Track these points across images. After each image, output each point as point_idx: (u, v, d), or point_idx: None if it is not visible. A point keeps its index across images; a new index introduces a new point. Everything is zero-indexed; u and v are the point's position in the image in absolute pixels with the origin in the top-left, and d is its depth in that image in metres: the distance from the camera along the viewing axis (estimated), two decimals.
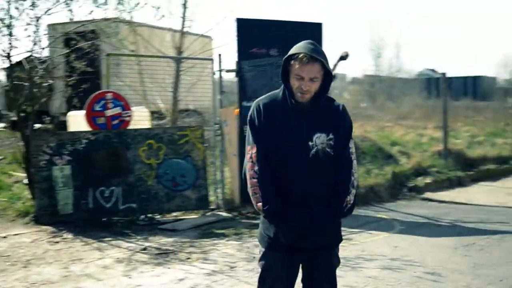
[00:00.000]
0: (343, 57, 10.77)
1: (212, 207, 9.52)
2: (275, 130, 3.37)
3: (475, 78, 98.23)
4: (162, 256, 6.94)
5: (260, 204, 3.38)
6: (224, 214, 9.29)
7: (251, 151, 3.43)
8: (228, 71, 9.74)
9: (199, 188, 9.27)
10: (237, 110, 9.72)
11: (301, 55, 3.28)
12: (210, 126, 10.02)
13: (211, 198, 9.60)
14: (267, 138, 3.37)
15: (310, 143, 3.35)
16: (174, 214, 9.25)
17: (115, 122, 8.86)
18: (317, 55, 3.28)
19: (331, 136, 3.38)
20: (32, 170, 8.52)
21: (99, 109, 8.76)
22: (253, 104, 3.51)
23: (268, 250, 3.51)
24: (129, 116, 8.99)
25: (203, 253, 7.08)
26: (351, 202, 3.47)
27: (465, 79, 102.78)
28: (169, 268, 6.42)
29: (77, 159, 8.43)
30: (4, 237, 7.76)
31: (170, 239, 7.77)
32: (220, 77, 9.57)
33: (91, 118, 8.69)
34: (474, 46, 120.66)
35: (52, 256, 6.88)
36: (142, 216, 8.94)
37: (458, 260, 6.67)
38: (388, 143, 14.75)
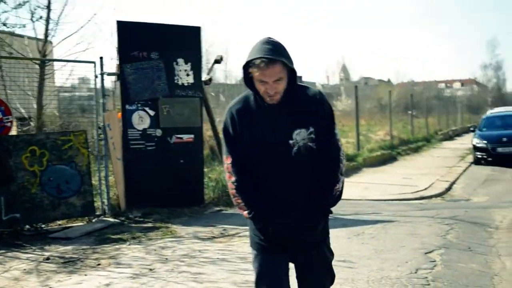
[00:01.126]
0: (217, 61, 11.11)
1: (97, 213, 9.31)
2: (253, 134, 3.21)
3: None
4: (70, 264, 6.72)
5: (245, 212, 3.30)
6: (112, 219, 9.14)
7: (226, 161, 3.31)
8: (109, 74, 9.59)
9: (84, 194, 9.03)
10: (120, 114, 9.61)
11: (258, 61, 3.04)
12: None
13: (96, 204, 9.38)
14: (245, 144, 3.23)
15: (291, 141, 3.19)
16: (59, 222, 8.93)
17: None
18: (275, 56, 3.05)
19: (311, 129, 3.21)
20: None
21: None
22: (226, 112, 3.33)
23: (260, 252, 3.39)
24: (10, 121, 8.56)
25: (111, 258, 6.96)
26: (340, 189, 3.37)
27: None
28: (85, 275, 6.24)
29: None
30: None
31: (69, 247, 7.52)
32: (102, 80, 9.38)
33: None
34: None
35: None
36: (27, 226, 8.52)
37: (358, 248, 7.23)
38: None
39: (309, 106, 3.25)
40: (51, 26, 11.42)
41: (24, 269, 6.50)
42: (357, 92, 21.17)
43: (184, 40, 10.01)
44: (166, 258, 6.88)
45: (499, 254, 7.24)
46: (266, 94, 3.13)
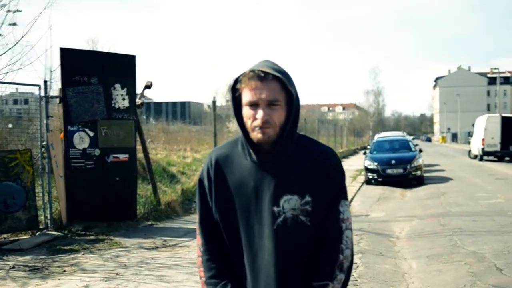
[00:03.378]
0: (148, 86, 11.95)
1: (40, 227, 9.87)
2: (229, 189, 2.41)
3: (183, 104, 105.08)
4: (37, 271, 7.38)
5: None
6: (55, 233, 9.74)
7: (197, 219, 2.56)
8: (53, 97, 10.21)
9: (29, 209, 9.59)
10: (62, 134, 10.25)
11: (249, 73, 2.29)
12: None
13: (39, 218, 9.94)
14: (219, 203, 2.43)
15: (276, 209, 2.32)
16: (4, 236, 9.42)
17: None
18: (273, 71, 2.28)
19: (308, 198, 2.33)
20: None
21: None
22: (208, 156, 2.55)
23: None
24: None
25: (73, 266, 7.68)
26: None
27: (174, 104, 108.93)
28: (59, 279, 6.96)
29: None
30: None
31: (27, 257, 8.13)
32: (47, 102, 9.99)
33: None
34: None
35: None
36: None
37: None
38: (165, 164, 16.16)
39: (312, 166, 2.38)
40: None
41: None
42: None
43: (121, 67, 10.82)
44: (125, 265, 7.69)
45: (405, 257, 8.70)
46: (254, 124, 2.29)
